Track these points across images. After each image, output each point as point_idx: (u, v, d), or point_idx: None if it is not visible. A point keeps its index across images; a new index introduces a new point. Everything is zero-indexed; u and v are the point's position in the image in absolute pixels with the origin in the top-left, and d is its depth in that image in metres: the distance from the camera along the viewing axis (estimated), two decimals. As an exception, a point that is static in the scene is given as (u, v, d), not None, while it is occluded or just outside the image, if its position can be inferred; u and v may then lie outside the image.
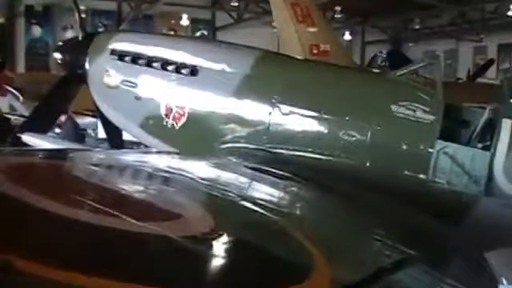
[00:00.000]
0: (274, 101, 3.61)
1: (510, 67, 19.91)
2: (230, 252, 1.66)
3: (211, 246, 1.66)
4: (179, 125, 3.94)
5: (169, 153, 3.90)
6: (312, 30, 10.28)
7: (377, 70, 8.68)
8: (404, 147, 3.31)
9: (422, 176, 3.24)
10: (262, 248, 1.76)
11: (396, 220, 2.68)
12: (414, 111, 3.31)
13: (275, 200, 2.66)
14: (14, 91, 10.23)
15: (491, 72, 15.96)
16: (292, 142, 3.52)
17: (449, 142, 3.23)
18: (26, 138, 4.67)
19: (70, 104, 5.67)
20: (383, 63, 10.22)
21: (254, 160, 3.32)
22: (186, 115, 3.91)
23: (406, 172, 3.29)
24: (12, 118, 8.74)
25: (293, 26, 10.20)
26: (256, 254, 1.68)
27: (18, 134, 4.78)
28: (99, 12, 18.21)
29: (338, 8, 19.43)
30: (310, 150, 3.48)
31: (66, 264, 1.25)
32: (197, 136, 3.93)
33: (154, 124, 4.10)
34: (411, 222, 2.82)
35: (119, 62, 4.29)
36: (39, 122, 5.02)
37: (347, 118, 3.46)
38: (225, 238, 1.78)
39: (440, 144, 3.21)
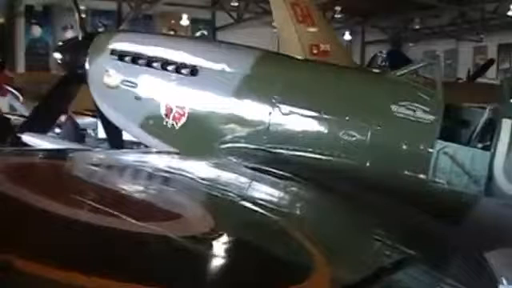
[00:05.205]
0: (273, 101, 3.61)
1: (510, 67, 19.90)
2: (230, 252, 1.66)
3: (211, 245, 1.66)
4: (179, 125, 3.94)
5: (169, 153, 3.90)
6: (312, 30, 10.27)
7: (377, 70, 8.66)
8: (404, 147, 3.31)
9: (421, 176, 3.24)
10: (262, 248, 1.76)
11: (396, 220, 2.68)
12: (414, 111, 3.31)
13: (275, 200, 2.66)
14: (14, 91, 10.23)
15: (491, 72, 15.95)
16: (292, 142, 3.52)
17: (449, 142, 3.23)
18: (26, 138, 4.67)
19: (69, 104, 5.67)
20: (383, 63, 10.19)
21: (254, 160, 3.32)
22: (186, 115, 3.91)
23: (406, 172, 3.29)
24: (12, 117, 8.74)
25: (293, 25, 10.19)
26: (256, 253, 1.68)
27: (18, 134, 4.78)
28: (99, 12, 18.18)
29: (338, 8, 19.40)
30: (310, 150, 3.48)
31: (66, 264, 1.25)
32: (197, 136, 3.93)
33: (154, 124, 4.10)
34: (411, 221, 2.81)
35: (119, 62, 4.29)
36: (39, 122, 5.02)
37: (347, 118, 3.46)
38: (225, 238, 1.78)
39: (440, 144, 3.21)
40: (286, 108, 3.57)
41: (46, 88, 6.05)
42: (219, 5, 19.69)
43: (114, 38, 4.58)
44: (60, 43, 6.05)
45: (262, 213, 2.19)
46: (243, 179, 2.95)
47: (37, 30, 17.92)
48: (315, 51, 10.09)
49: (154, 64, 4.10)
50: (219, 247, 1.69)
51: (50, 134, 5.80)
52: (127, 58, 4.25)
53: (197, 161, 3.28)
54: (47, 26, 17.99)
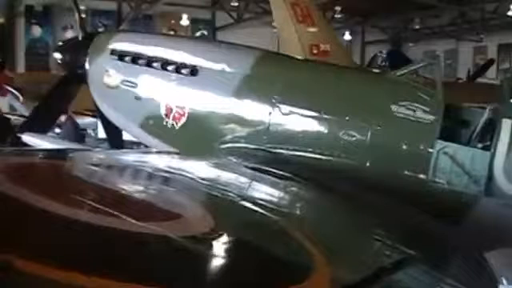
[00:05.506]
0: (273, 101, 3.61)
1: (510, 67, 19.91)
2: (230, 252, 1.66)
3: (211, 245, 1.66)
4: (179, 125, 3.94)
5: (169, 153, 3.90)
6: (312, 30, 10.28)
7: (377, 70, 8.66)
8: (404, 147, 3.31)
9: (421, 176, 3.24)
10: (262, 248, 1.76)
11: (396, 220, 2.68)
12: (414, 111, 3.31)
13: (275, 200, 2.66)
14: (14, 91, 10.24)
15: (491, 72, 15.96)
16: (292, 142, 3.52)
17: (449, 142, 3.23)
18: (26, 138, 4.67)
19: (69, 104, 5.67)
20: (383, 63, 10.20)
21: (254, 160, 3.32)
22: (186, 115, 3.91)
23: (406, 172, 3.29)
24: (12, 117, 8.74)
25: (293, 25, 10.20)
26: (256, 253, 1.68)
27: (18, 134, 4.78)
28: (99, 12, 18.19)
29: (338, 8, 19.42)
30: (310, 150, 3.48)
31: (66, 264, 1.25)
32: (197, 136, 3.93)
33: (154, 124, 4.10)
34: (411, 221, 2.82)
35: (119, 62, 4.29)
36: (39, 122, 5.02)
37: (347, 118, 3.46)
38: (225, 238, 1.78)
39: (440, 144, 3.21)
40: (286, 108, 3.57)
41: (46, 88, 6.05)
42: (219, 5, 19.70)
43: (114, 38, 4.58)
44: (60, 43, 6.05)
45: (262, 213, 2.20)
46: (243, 179, 2.95)
47: (37, 30, 17.92)
48: (315, 51, 10.10)
49: (154, 64, 4.10)
50: (219, 247, 1.69)
51: (50, 133, 5.80)
52: (127, 58, 4.25)
53: (197, 161, 3.28)
54: (47, 26, 18.00)
